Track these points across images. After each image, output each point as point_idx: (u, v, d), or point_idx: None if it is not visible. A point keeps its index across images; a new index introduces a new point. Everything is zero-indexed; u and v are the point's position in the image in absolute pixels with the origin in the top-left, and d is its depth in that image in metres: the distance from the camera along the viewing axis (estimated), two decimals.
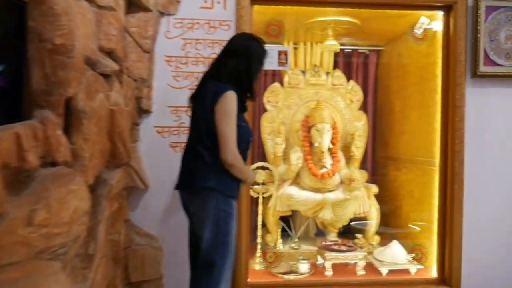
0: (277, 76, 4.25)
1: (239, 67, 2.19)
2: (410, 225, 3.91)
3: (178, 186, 2.22)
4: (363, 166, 4.11)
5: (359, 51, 4.41)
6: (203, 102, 2.13)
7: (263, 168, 3.64)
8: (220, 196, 2.08)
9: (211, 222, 2.07)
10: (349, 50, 4.40)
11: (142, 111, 2.79)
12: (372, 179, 4.20)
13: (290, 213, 3.68)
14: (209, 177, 2.08)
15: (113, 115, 2.13)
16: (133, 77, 2.63)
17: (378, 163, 4.35)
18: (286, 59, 3.01)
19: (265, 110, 3.94)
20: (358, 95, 4.02)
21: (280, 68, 3.02)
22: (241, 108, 2.20)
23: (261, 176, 3.53)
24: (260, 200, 3.53)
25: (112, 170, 2.19)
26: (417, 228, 3.82)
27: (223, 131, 2.04)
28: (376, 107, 4.42)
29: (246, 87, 2.21)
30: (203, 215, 2.09)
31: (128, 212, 2.76)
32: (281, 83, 3.99)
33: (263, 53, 2.31)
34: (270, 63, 2.98)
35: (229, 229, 2.11)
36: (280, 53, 3.02)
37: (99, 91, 1.96)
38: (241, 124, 2.14)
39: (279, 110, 3.93)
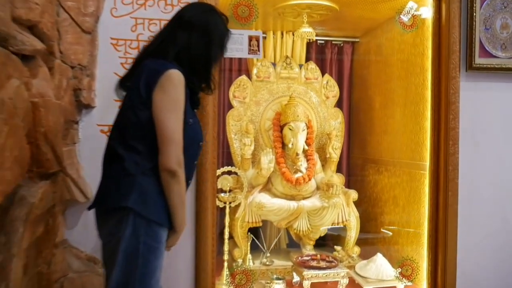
0: (244, 67, 3.79)
1: (193, 44, 1.62)
2: (382, 230, 3.56)
3: (92, 205, 1.62)
4: (338, 169, 3.72)
5: (334, 42, 4.02)
6: (135, 85, 1.56)
7: (229, 173, 3.16)
8: (141, 221, 1.47)
9: (123, 258, 1.46)
10: (322, 42, 3.99)
11: (82, 106, 2.25)
12: (349, 184, 3.82)
13: (260, 224, 3.23)
14: (127, 192, 1.48)
15: (36, 109, 1.60)
16: (69, 63, 2.09)
17: (355, 165, 3.98)
18: (258, 45, 2.55)
19: (231, 107, 3.47)
20: (334, 90, 3.63)
21: (252, 56, 2.56)
22: (192, 102, 1.65)
23: (227, 182, 3.05)
24: (227, 210, 3.06)
25: (36, 183, 1.65)
26: (389, 233, 3.48)
27: (165, 126, 1.48)
28: (351, 104, 4.04)
29: (200, 73, 1.66)
30: (112, 247, 1.48)
31: (64, 232, 2.22)
32: (249, 76, 3.54)
33: (225, 32, 1.73)
34: (239, 50, 2.53)
35: (151, 271, 1.48)
36: (251, 38, 2.56)
37: (12, 76, 1.42)
38: (189, 122, 1.58)
39: (247, 106, 3.47)
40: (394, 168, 3.29)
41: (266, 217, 3.20)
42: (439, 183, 2.74)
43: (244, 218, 3.17)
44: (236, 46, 2.52)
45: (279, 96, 3.52)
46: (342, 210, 3.26)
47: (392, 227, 3.41)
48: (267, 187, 3.36)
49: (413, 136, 3.02)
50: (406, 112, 3.14)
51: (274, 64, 3.57)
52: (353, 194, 3.37)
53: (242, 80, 3.47)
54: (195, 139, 1.65)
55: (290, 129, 3.27)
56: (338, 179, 3.21)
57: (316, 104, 3.58)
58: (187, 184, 1.63)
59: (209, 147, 2.37)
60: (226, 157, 3.65)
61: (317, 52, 3.98)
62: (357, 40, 4.00)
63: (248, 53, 2.54)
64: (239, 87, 3.47)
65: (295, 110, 3.28)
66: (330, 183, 3.18)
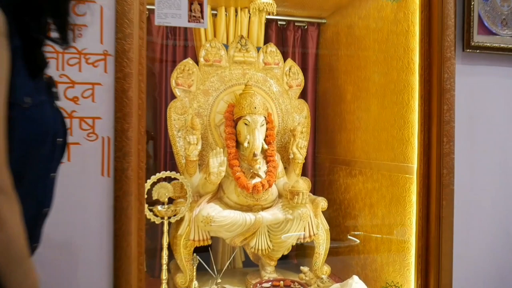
0: (189, 50, 3.13)
1: None
2: (349, 236, 3.03)
3: None
4: (303, 172, 3.15)
5: (297, 24, 3.43)
6: None
7: (170, 179, 2.52)
8: None
9: None
10: (284, 23, 3.39)
11: None
12: (316, 189, 3.26)
13: (209, 243, 2.60)
14: None
15: None
16: None
17: (322, 167, 3.41)
18: (202, 11, 1.91)
19: (173, 97, 2.82)
20: (298, 78, 3.06)
21: (193, 25, 1.91)
22: (31, 63, 0.91)
23: (165, 191, 2.40)
24: (166, 227, 2.40)
25: None
26: (356, 240, 2.96)
27: None
28: (318, 95, 3.48)
29: (43, 6, 0.94)
30: None
31: None
32: (196, 60, 2.89)
33: None
34: (176, 17, 1.88)
35: None
36: (191, 2, 1.91)
37: None
38: (25, 102, 0.88)
39: (193, 96, 2.83)
40: (371, 170, 2.74)
41: (216, 234, 2.57)
42: (430, 190, 2.20)
43: (188, 235, 2.53)
44: (172, 11, 1.87)
45: (233, 84, 2.90)
46: (310, 223, 2.68)
47: (358, 233, 2.89)
48: (218, 195, 2.73)
49: (395, 132, 2.48)
50: (385, 103, 2.60)
51: (226, 46, 2.94)
52: (322, 203, 2.80)
53: (186, 64, 2.82)
54: (41, 132, 0.92)
55: (245, 124, 2.65)
56: (304, 185, 2.62)
57: (277, 94, 2.99)
58: (33, 238, 0.93)
59: (132, 146, 1.70)
60: (168, 159, 3.00)
61: (277, 35, 3.38)
62: (323, 21, 3.43)
63: (188, 21, 1.90)
64: (182, 73, 2.81)
65: (251, 101, 2.67)
66: (294, 189, 2.59)
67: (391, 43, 2.53)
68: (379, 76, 2.67)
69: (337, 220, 3.10)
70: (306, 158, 3.12)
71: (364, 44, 2.84)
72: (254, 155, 2.59)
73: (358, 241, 2.95)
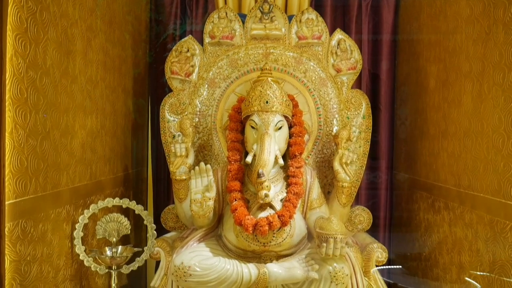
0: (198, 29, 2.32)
1: None
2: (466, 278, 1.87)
3: None
4: (365, 197, 2.13)
5: None
6: None
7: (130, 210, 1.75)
8: None
9: None
10: None
11: None
12: (385, 231, 2.20)
13: None
14: None
15: None
16: None
17: (399, 193, 2.30)
18: None
19: (169, 90, 2.06)
20: (352, 58, 2.03)
21: None
22: None
23: (118, 228, 1.63)
24: (114, 280, 1.63)
25: None
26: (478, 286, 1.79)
27: None
28: (395, 86, 2.37)
29: None
30: None
31: None
32: (199, 38, 2.08)
33: None
34: None
35: None
36: None
37: None
38: None
39: (194, 89, 2.02)
40: (461, 206, 1.61)
41: None
42: None
43: None
44: None
45: (249, 70, 2.01)
46: (352, 285, 1.66)
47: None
48: (217, 232, 1.87)
49: (501, 141, 1.34)
50: (484, 89, 1.46)
51: (242, 17, 2.07)
52: (378, 254, 1.75)
53: (186, 44, 2.03)
54: None
55: (251, 127, 1.75)
56: (339, 226, 1.61)
57: (317, 83, 2.01)
58: None
59: None
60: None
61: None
62: None
63: None
64: (179, 56, 2.02)
65: (262, 93, 1.75)
66: (322, 233, 1.60)
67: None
68: (474, 43, 1.53)
69: (414, 280, 1.99)
70: (372, 179, 2.10)
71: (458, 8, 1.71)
72: (259, 175, 1.67)
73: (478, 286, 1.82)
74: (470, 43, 1.56)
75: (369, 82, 2.31)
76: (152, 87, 2.41)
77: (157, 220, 2.03)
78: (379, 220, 2.25)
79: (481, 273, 1.48)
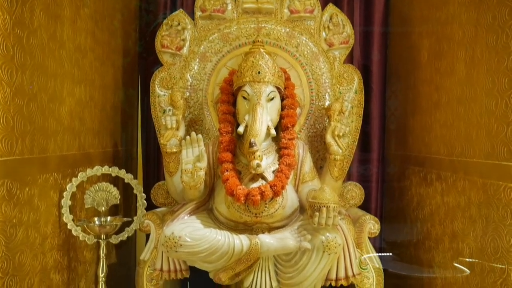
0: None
1: None
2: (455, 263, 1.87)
3: None
4: (356, 174, 2.12)
5: None
6: None
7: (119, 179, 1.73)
8: None
9: None
10: None
11: None
12: (378, 204, 2.19)
13: (186, 275, 1.73)
14: None
15: None
16: None
17: (390, 169, 2.30)
18: None
19: (159, 64, 2.03)
20: (344, 32, 2.03)
21: None
22: None
23: (107, 197, 1.60)
24: (102, 250, 1.60)
25: None
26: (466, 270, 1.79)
27: None
28: (387, 62, 2.36)
29: None
30: None
31: None
32: (190, 12, 2.06)
33: None
34: None
35: None
36: None
37: None
38: None
39: (186, 63, 1.99)
40: (454, 175, 1.61)
41: (192, 263, 1.68)
42: None
43: (154, 263, 1.69)
44: None
45: (241, 44, 2.00)
46: (344, 257, 1.65)
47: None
48: (208, 205, 1.85)
49: (493, 105, 1.34)
50: (477, 55, 1.46)
51: None
52: (370, 225, 1.75)
53: (176, 17, 2.01)
54: None
55: (244, 98, 1.73)
56: (332, 195, 1.59)
57: (309, 58, 2.00)
58: None
59: None
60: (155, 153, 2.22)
61: None
62: None
63: None
64: (170, 30, 2.00)
65: (254, 63, 1.73)
66: (315, 202, 1.58)
67: None
68: (467, 10, 1.53)
69: (407, 253, 1.98)
70: (367, 155, 2.09)
71: None
72: (251, 144, 1.65)
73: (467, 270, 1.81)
74: (463, 10, 1.55)
75: (361, 59, 2.30)
76: (142, 58, 2.38)
77: (147, 197, 2.00)
78: (371, 197, 2.24)
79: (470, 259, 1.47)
